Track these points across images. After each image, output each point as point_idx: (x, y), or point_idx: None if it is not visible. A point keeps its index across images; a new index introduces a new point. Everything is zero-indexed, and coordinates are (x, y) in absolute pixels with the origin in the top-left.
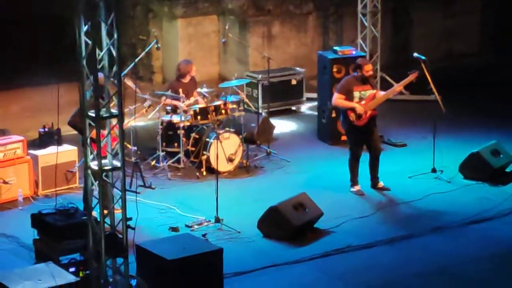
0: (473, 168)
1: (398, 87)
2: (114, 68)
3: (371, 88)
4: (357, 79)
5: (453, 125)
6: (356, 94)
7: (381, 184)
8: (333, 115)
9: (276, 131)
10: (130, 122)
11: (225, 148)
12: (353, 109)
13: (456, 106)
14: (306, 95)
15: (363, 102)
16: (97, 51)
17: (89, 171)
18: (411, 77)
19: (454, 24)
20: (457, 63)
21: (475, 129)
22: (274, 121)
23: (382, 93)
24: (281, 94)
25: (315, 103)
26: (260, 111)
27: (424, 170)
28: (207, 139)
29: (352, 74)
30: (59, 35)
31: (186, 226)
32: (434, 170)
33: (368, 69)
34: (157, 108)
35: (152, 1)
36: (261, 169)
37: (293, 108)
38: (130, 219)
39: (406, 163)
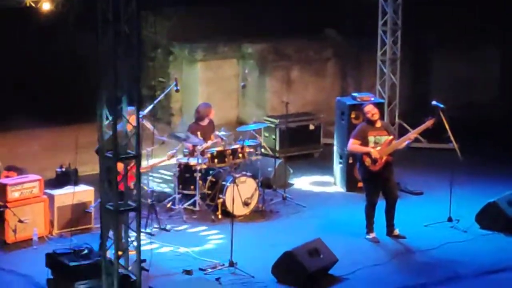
0: (490, 218)
1: (413, 133)
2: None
3: (387, 134)
4: (370, 124)
5: (470, 174)
6: (371, 138)
7: (396, 231)
8: (350, 161)
9: (292, 176)
10: (155, 166)
11: (241, 192)
12: (368, 154)
13: (474, 155)
14: (324, 140)
15: (378, 147)
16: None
17: (105, 211)
18: (428, 123)
19: (474, 73)
20: (476, 112)
21: (492, 179)
22: (290, 166)
23: (398, 140)
24: (299, 139)
25: (333, 149)
26: (277, 156)
27: (441, 219)
28: (224, 183)
29: (365, 120)
30: (81, 74)
31: (200, 269)
32: (450, 219)
33: (367, 110)
34: (175, 151)
35: (173, 44)
36: (277, 214)
37: (310, 153)
38: (144, 261)
39: (422, 211)
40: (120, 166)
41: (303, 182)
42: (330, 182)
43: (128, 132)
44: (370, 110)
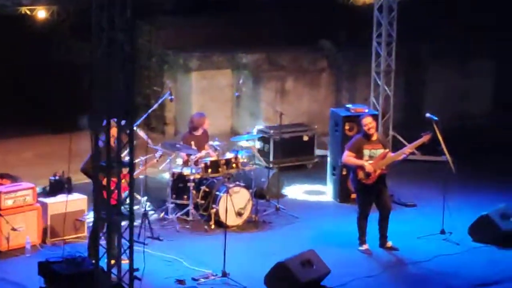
0: (482, 230)
1: (409, 148)
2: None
3: (382, 147)
4: (366, 137)
5: (463, 187)
6: (366, 152)
7: (389, 243)
8: (344, 172)
9: (286, 187)
10: (141, 173)
11: (235, 202)
12: (362, 167)
13: (467, 167)
14: (317, 151)
15: (371, 161)
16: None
17: (98, 220)
18: (424, 139)
19: (468, 84)
20: (469, 124)
21: (485, 191)
22: (284, 176)
23: (392, 154)
24: (292, 150)
25: (326, 160)
26: (271, 166)
27: (433, 231)
28: (217, 193)
29: (361, 133)
30: (75, 83)
31: (193, 279)
32: (443, 232)
33: (365, 123)
34: (168, 160)
35: (168, 53)
36: (270, 225)
37: (304, 164)
38: (137, 270)
39: (415, 223)
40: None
41: (296, 193)
42: (324, 193)
43: (122, 141)
44: (368, 123)
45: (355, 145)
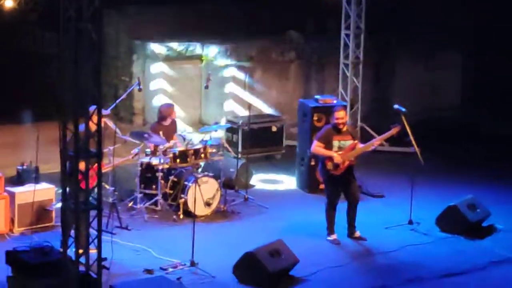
0: (450, 221)
1: (378, 140)
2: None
3: (352, 138)
4: (336, 129)
5: (431, 178)
6: (336, 143)
7: (357, 233)
8: (312, 163)
9: (254, 177)
10: (115, 166)
11: (203, 192)
12: (330, 158)
13: (435, 159)
14: (286, 142)
15: (340, 152)
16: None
17: (66, 209)
18: (393, 131)
19: (436, 77)
20: (437, 116)
21: (453, 182)
22: (253, 167)
23: (361, 145)
24: (261, 140)
25: (295, 151)
26: (240, 157)
27: (401, 222)
28: (185, 183)
29: (331, 124)
30: (43, 72)
31: (161, 268)
32: (411, 222)
33: (337, 116)
34: (137, 150)
35: (136, 43)
36: (238, 215)
37: (272, 154)
38: (105, 259)
39: (383, 213)
40: (81, 165)
41: (265, 183)
42: (292, 184)
43: (90, 131)
44: (340, 117)
45: (324, 136)
